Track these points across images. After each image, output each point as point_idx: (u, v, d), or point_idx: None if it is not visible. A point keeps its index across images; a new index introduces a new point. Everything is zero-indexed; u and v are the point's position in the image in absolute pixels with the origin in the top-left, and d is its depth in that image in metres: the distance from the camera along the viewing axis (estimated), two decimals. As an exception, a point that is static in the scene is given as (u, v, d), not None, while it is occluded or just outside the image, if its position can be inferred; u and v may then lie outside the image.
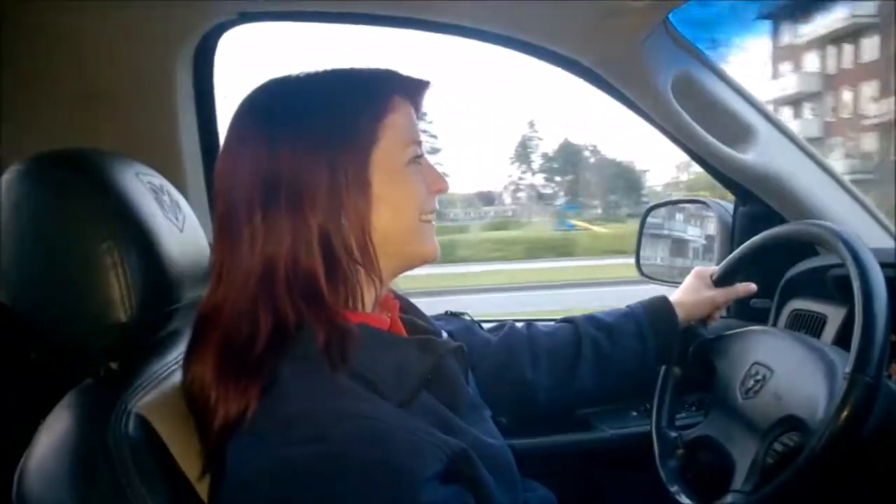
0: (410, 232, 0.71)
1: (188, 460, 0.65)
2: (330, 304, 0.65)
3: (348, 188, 0.66)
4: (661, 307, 1.04)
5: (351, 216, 0.66)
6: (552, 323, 1.06)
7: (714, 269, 1.12)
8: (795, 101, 21.76)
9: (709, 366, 1.03)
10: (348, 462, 0.56)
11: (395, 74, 0.73)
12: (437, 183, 0.74)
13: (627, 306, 1.06)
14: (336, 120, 0.67)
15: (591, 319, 1.03)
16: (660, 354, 1.04)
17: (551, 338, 1.01)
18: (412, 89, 0.73)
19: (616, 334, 1.01)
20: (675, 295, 1.08)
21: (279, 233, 0.64)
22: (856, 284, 0.81)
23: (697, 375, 1.07)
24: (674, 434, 1.03)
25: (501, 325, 1.04)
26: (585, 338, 1.00)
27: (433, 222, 0.75)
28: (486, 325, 1.04)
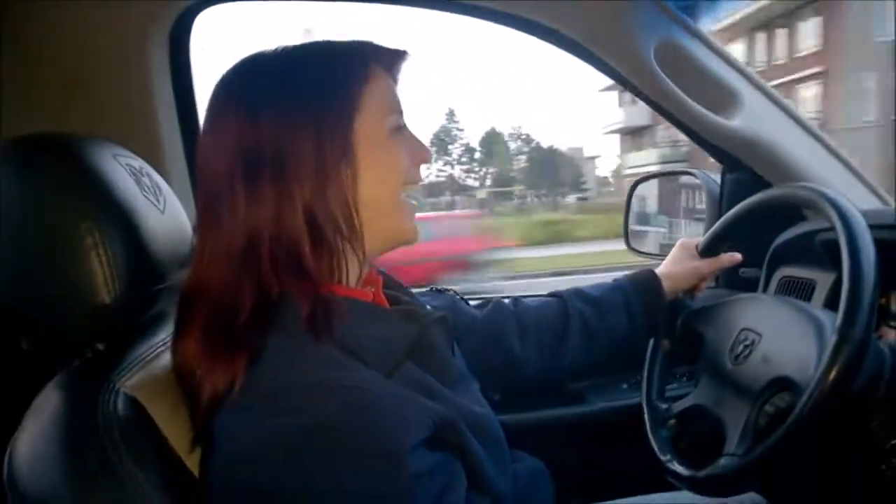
0: (394, 205, 0.71)
1: (178, 437, 0.65)
2: (314, 277, 0.65)
3: (333, 158, 0.65)
4: (647, 280, 1.05)
5: (336, 187, 0.65)
6: (539, 298, 1.06)
7: (699, 239, 1.11)
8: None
9: (697, 336, 1.03)
10: (335, 432, 0.56)
11: (373, 45, 0.72)
12: (420, 153, 0.74)
13: (614, 280, 1.07)
14: (318, 89, 0.66)
15: (578, 293, 1.04)
16: (648, 326, 1.04)
17: (539, 312, 1.01)
18: (390, 59, 0.73)
19: (603, 308, 1.02)
20: (661, 267, 1.08)
21: (262, 205, 0.64)
22: (843, 244, 0.81)
23: (686, 346, 1.08)
24: (664, 406, 1.04)
25: (487, 301, 1.04)
26: (573, 312, 1.01)
27: (414, 204, 0.74)
28: (471, 302, 1.04)
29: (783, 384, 0.83)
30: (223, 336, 0.62)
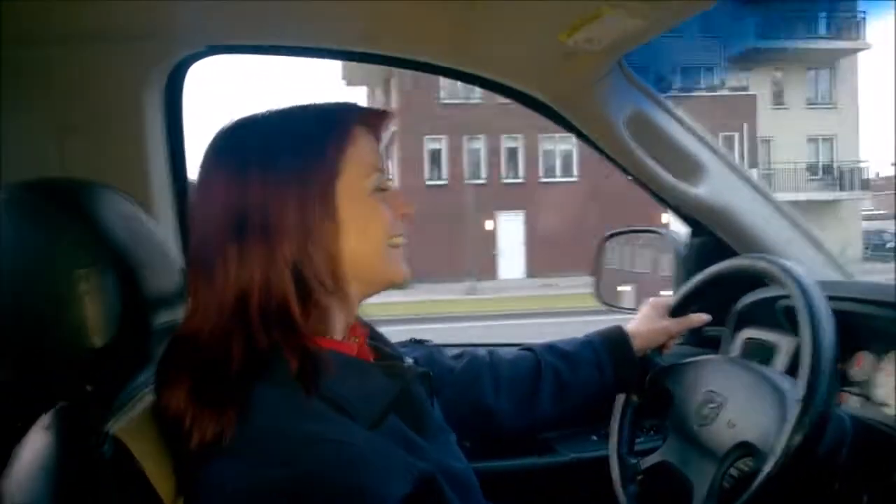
0: (378, 257, 0.74)
1: (162, 482, 0.66)
2: (302, 332, 0.67)
3: (316, 218, 0.68)
4: (616, 337, 1.08)
5: (320, 244, 0.68)
6: (513, 350, 1.08)
7: (668, 300, 1.15)
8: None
9: (665, 392, 1.06)
10: (320, 484, 0.58)
11: (355, 106, 0.76)
12: (402, 207, 0.77)
13: (585, 336, 1.09)
14: (302, 152, 0.70)
15: (551, 348, 1.06)
16: (617, 382, 1.07)
17: (513, 366, 1.04)
18: (372, 120, 0.77)
19: (574, 363, 1.04)
20: (631, 325, 1.11)
21: (251, 264, 0.66)
22: (803, 317, 0.85)
23: (655, 402, 1.10)
24: (633, 460, 1.05)
25: (462, 353, 1.06)
26: (546, 366, 1.03)
27: (401, 247, 0.77)
28: (448, 352, 1.06)
29: (747, 449, 0.86)
30: (213, 388, 0.63)
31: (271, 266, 0.66)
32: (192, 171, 1.28)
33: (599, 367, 1.04)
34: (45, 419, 0.71)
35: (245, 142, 0.71)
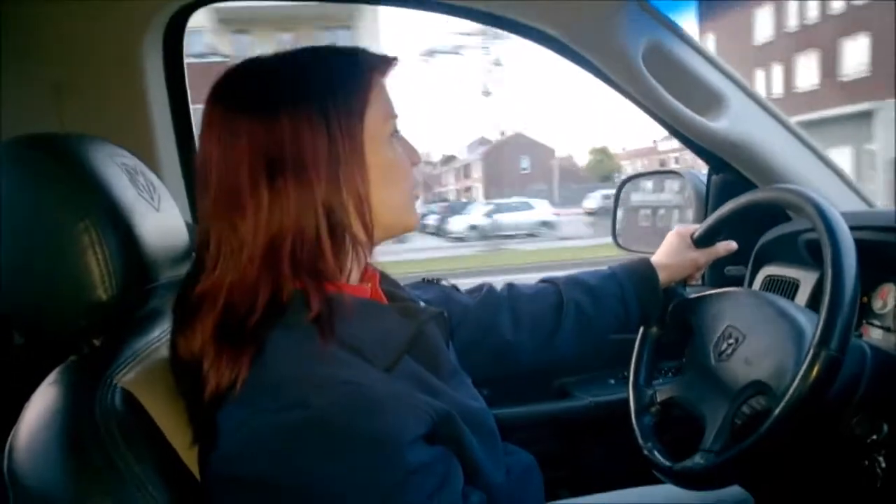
0: (403, 201, 0.74)
1: (175, 433, 0.66)
2: (329, 275, 0.66)
3: (346, 158, 0.67)
4: (643, 270, 1.05)
5: (350, 187, 0.67)
6: (533, 283, 1.06)
7: (695, 227, 1.12)
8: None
9: (686, 325, 1.05)
10: (334, 426, 0.57)
11: (369, 52, 0.74)
12: (413, 156, 0.77)
13: (609, 267, 1.07)
14: (328, 91, 0.68)
15: (575, 281, 1.04)
16: (641, 317, 1.06)
17: (533, 300, 1.02)
18: (385, 66, 0.75)
19: (599, 297, 1.02)
20: (657, 256, 1.08)
21: (285, 207, 0.64)
22: (825, 249, 0.83)
23: (675, 334, 1.09)
24: (650, 391, 1.05)
25: (479, 287, 1.04)
26: (569, 301, 1.01)
27: (418, 194, 0.77)
28: (463, 288, 1.04)
29: (760, 388, 0.85)
30: (233, 334, 0.62)
31: (305, 210, 0.65)
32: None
33: (623, 302, 1.03)
34: (54, 374, 0.71)
35: (266, 81, 0.69)
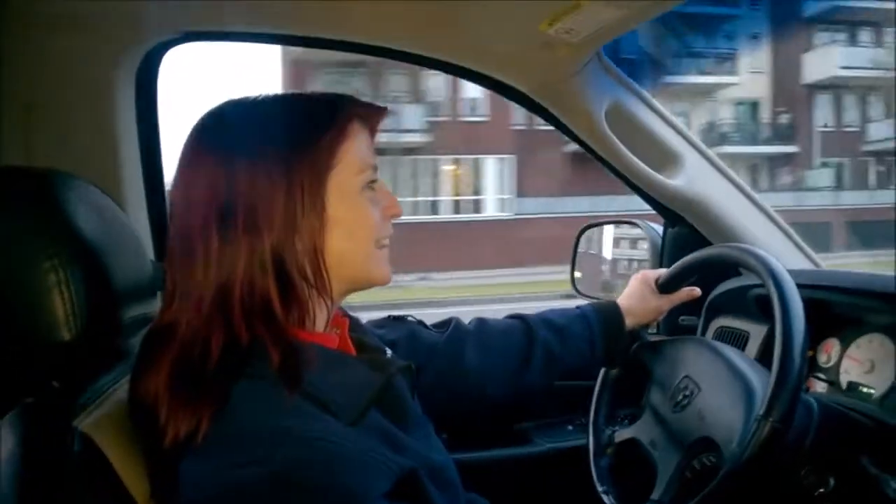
0: (365, 257, 0.73)
1: (133, 479, 0.65)
2: (284, 325, 0.65)
3: (304, 210, 0.66)
4: (611, 313, 1.08)
5: (305, 238, 0.67)
6: (503, 319, 1.07)
7: (659, 272, 1.15)
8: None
9: (645, 368, 1.07)
10: (297, 483, 0.57)
11: (354, 100, 0.74)
12: (391, 208, 0.76)
13: (578, 307, 1.09)
14: (294, 142, 0.68)
15: (544, 320, 1.06)
16: (606, 358, 1.08)
17: (504, 335, 1.03)
18: (369, 116, 0.75)
19: (567, 337, 1.04)
20: (624, 300, 1.11)
21: (235, 255, 0.64)
22: (775, 309, 0.86)
23: (634, 376, 1.12)
24: (608, 432, 1.07)
25: (447, 321, 1.04)
26: (537, 339, 1.02)
27: (386, 248, 0.76)
28: (431, 322, 1.04)
29: (710, 446, 0.87)
30: (190, 383, 0.62)
31: (254, 258, 0.65)
32: (168, 163, 1.27)
33: (591, 343, 1.05)
34: (9, 418, 0.69)
35: (234, 126, 0.69)
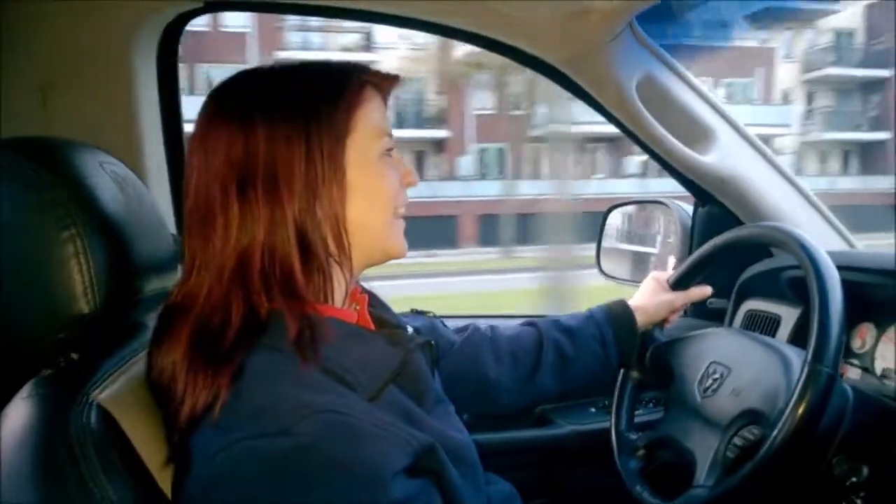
0: (384, 225, 0.72)
1: (150, 452, 0.65)
2: (303, 296, 0.65)
3: (324, 176, 0.66)
4: (620, 311, 1.07)
5: (325, 206, 0.66)
6: (515, 324, 1.08)
7: (670, 272, 1.14)
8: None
9: (666, 368, 1.05)
10: (316, 456, 0.56)
11: (367, 68, 0.73)
12: (407, 176, 0.75)
13: (588, 310, 1.08)
14: (312, 107, 0.67)
15: (554, 323, 1.06)
16: (620, 357, 1.06)
17: (514, 341, 1.03)
18: (383, 83, 0.74)
19: (577, 338, 1.03)
20: (634, 299, 1.10)
21: (255, 222, 0.64)
22: (812, 284, 0.84)
23: (656, 378, 1.10)
24: (633, 436, 1.06)
25: (466, 326, 1.05)
26: (548, 341, 1.02)
27: (402, 220, 0.76)
28: (450, 325, 1.05)
29: (752, 417, 0.85)
30: (208, 354, 0.61)
31: (275, 226, 0.64)
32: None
33: (602, 343, 1.04)
34: (27, 388, 0.69)
35: (252, 92, 0.69)
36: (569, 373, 1.03)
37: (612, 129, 1.33)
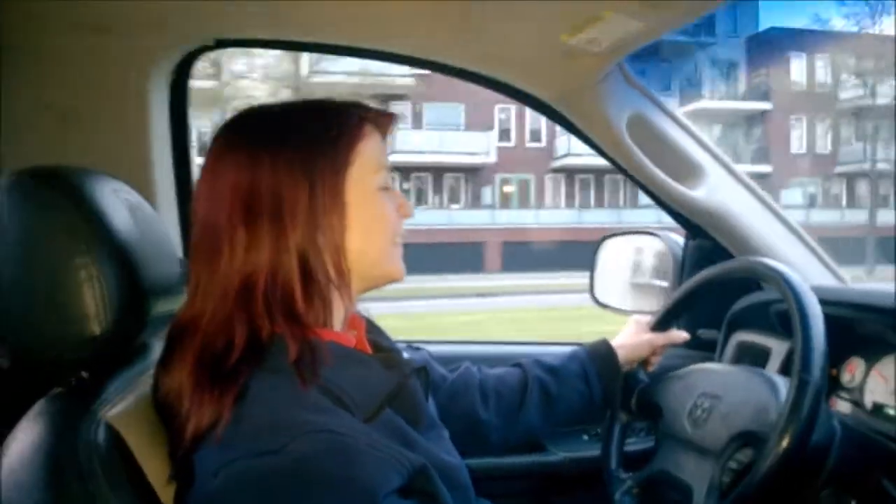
0: (382, 254, 0.76)
1: (153, 468, 0.67)
2: (304, 321, 0.68)
3: (325, 207, 0.69)
4: (602, 349, 1.09)
5: (327, 235, 0.69)
6: (501, 367, 1.09)
7: (650, 317, 1.16)
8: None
9: (654, 407, 1.06)
10: (313, 475, 0.58)
11: (366, 106, 0.78)
12: (404, 207, 0.79)
13: (572, 349, 1.11)
14: (315, 142, 0.71)
15: (538, 362, 1.08)
16: (604, 394, 1.07)
17: (500, 380, 1.05)
18: (381, 121, 0.78)
19: (561, 376, 1.05)
20: (616, 339, 1.12)
21: (259, 249, 0.67)
22: (794, 317, 0.86)
23: (644, 418, 1.12)
24: (625, 476, 1.06)
25: (458, 366, 1.07)
26: (532, 379, 1.04)
27: (400, 246, 0.79)
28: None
29: (745, 438, 0.86)
30: (213, 374, 0.64)
31: (279, 253, 0.67)
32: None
33: (586, 379, 1.06)
34: (39, 405, 0.72)
35: (259, 127, 0.73)
36: (554, 410, 1.04)
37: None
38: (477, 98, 18.30)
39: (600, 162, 1.36)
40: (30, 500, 0.62)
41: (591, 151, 1.35)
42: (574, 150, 19.57)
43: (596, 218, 19.89)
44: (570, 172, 21.87)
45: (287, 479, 0.58)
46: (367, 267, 0.74)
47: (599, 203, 22.45)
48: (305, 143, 0.71)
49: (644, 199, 1.50)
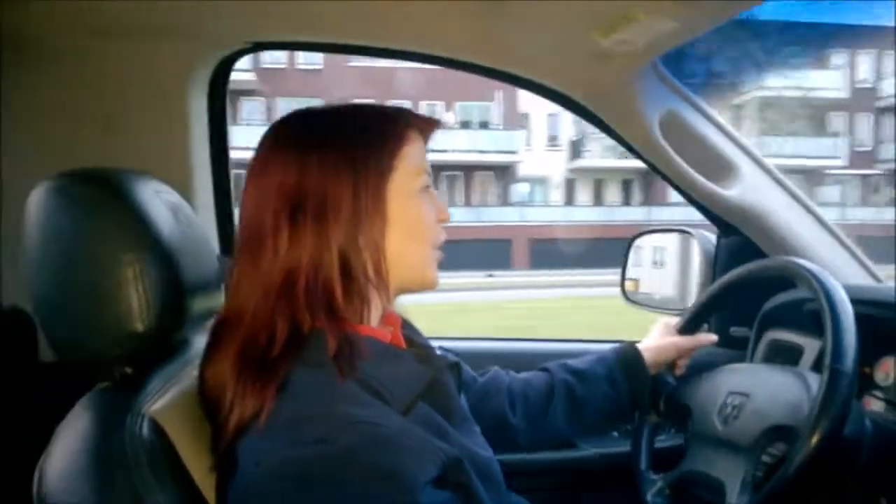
0: (419, 258, 0.77)
1: (194, 460, 0.69)
2: (343, 317, 0.70)
3: (368, 208, 0.71)
4: (629, 352, 1.09)
5: (368, 235, 0.71)
6: (529, 371, 1.11)
7: (678, 320, 1.16)
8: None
9: (683, 408, 1.06)
10: (353, 464, 0.60)
11: (410, 112, 0.80)
12: (442, 212, 0.80)
13: (598, 353, 1.11)
14: (361, 145, 0.73)
15: (564, 366, 1.09)
16: (631, 397, 1.08)
17: (527, 384, 1.06)
18: (424, 126, 0.80)
19: (588, 379, 1.06)
20: (642, 342, 1.12)
21: (302, 246, 0.69)
22: (824, 315, 0.86)
23: (673, 420, 1.12)
24: (655, 476, 1.06)
25: (488, 370, 1.09)
26: (558, 383, 1.05)
27: (439, 252, 0.80)
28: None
29: (778, 432, 0.86)
30: (255, 366, 0.66)
31: (321, 250, 0.69)
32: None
33: (612, 383, 1.06)
34: (85, 400, 0.75)
35: (308, 129, 0.75)
36: (580, 413, 1.05)
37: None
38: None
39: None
40: (77, 487, 0.65)
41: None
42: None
43: (626, 216, 19.64)
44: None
45: (328, 469, 0.59)
46: (405, 269, 0.76)
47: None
48: (352, 145, 0.73)
49: (675, 195, 1.48)
